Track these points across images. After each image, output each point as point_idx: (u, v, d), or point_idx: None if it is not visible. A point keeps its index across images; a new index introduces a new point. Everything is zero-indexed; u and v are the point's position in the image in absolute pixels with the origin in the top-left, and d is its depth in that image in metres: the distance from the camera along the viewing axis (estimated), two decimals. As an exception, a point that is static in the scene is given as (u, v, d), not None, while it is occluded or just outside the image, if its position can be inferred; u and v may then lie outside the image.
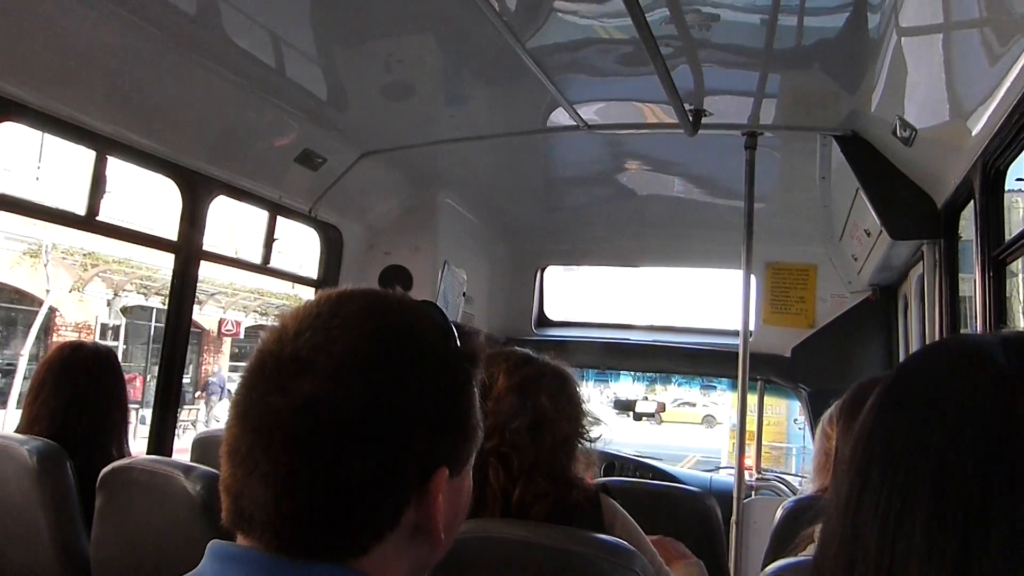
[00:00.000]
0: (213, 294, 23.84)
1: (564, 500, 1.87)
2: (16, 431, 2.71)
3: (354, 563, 0.86)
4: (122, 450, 2.77)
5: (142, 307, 23.21)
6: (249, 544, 0.87)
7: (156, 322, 24.59)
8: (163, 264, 21.46)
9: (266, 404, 0.85)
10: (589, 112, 3.42)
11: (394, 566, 0.89)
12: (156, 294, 22.76)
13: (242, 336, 26.07)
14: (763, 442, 5.43)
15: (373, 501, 0.86)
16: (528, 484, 1.84)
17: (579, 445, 1.97)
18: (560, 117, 3.46)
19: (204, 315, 24.73)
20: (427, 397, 0.89)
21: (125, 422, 2.86)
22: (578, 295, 6.38)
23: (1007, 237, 2.37)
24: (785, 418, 14.00)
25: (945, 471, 0.66)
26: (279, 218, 3.91)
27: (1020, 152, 2.16)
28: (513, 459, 1.83)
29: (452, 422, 0.93)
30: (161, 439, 3.17)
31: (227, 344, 26.44)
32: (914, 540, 0.66)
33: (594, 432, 2.01)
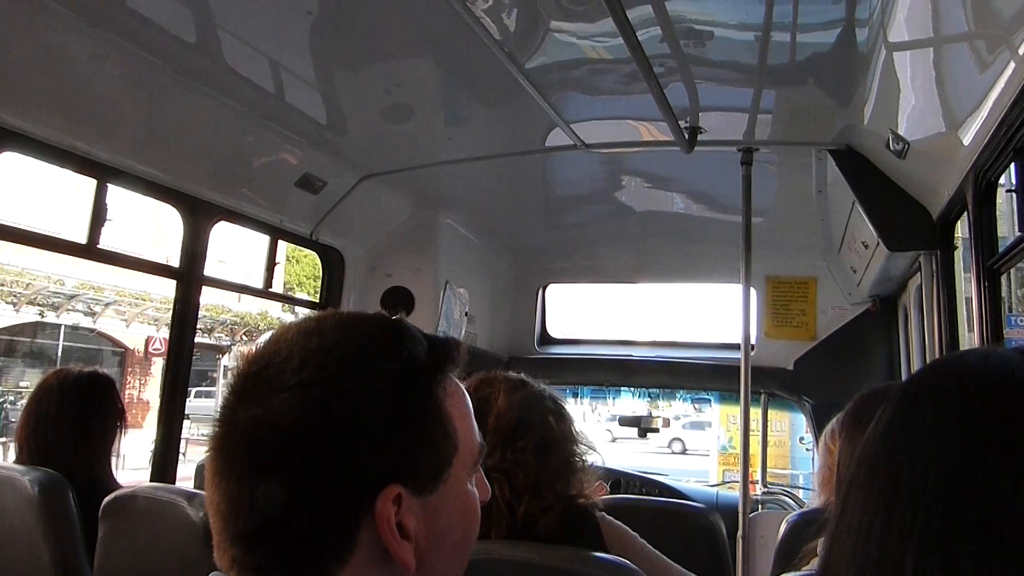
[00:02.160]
0: (109, 303, 21.78)
1: (568, 511, 1.88)
2: (16, 462, 2.71)
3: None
4: (107, 476, 2.73)
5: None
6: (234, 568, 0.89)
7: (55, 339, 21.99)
8: (43, 267, 18.92)
9: (221, 432, 0.89)
10: (586, 131, 3.44)
11: None
12: (31, 304, 20.39)
13: None
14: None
15: (315, 522, 0.85)
16: (534, 499, 1.84)
17: (578, 464, 1.98)
18: (558, 137, 3.49)
19: (125, 331, 22.52)
20: (366, 414, 0.87)
21: (109, 447, 2.82)
22: (580, 313, 6.38)
23: (1001, 247, 2.38)
24: (788, 437, 12.23)
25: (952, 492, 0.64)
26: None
27: (1011, 162, 2.17)
28: (518, 475, 1.84)
29: (403, 437, 0.89)
30: (164, 466, 3.16)
31: (157, 365, 23.36)
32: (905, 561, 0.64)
33: (588, 458, 2.02)
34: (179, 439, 3.29)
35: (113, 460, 2.84)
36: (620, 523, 1.99)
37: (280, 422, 0.85)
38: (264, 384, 0.88)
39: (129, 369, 22.72)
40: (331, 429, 0.85)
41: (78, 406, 2.73)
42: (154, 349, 23.22)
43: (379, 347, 0.92)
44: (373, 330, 0.94)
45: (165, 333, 22.69)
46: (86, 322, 22.34)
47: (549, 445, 1.90)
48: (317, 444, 0.85)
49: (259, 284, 4.07)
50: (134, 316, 22.53)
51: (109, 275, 20.30)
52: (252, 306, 23.62)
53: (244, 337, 24.15)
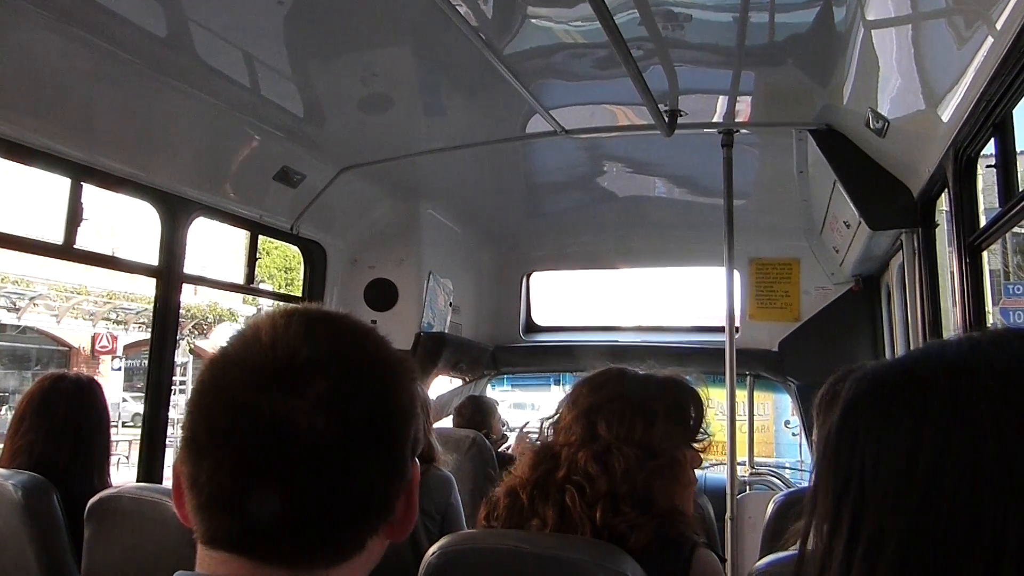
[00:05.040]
0: (33, 297, 20.32)
1: (666, 531, 1.79)
2: (0, 465, 2.68)
3: (347, 563, 0.87)
4: (104, 480, 2.74)
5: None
6: (240, 561, 0.84)
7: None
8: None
9: (277, 406, 0.83)
10: (566, 117, 3.43)
11: (373, 563, 0.91)
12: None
13: (119, 352, 22.52)
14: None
15: (382, 493, 0.88)
16: (613, 513, 1.78)
17: (675, 466, 1.86)
18: (538, 123, 3.47)
19: (69, 329, 21.33)
20: (407, 393, 0.93)
21: (107, 452, 2.83)
22: (565, 300, 6.39)
23: (982, 223, 2.39)
24: (772, 421, 11.45)
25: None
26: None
27: (990, 138, 2.18)
28: (586, 487, 1.80)
29: (416, 416, 0.95)
30: (150, 467, 3.14)
31: (106, 364, 22.29)
32: None
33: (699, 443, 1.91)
34: (165, 439, 3.26)
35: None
36: (718, 567, 1.84)
37: (356, 398, 0.86)
38: (327, 363, 0.86)
39: (75, 370, 20.63)
40: (396, 405, 0.90)
41: (65, 409, 2.72)
42: (101, 347, 22.21)
43: (385, 342, 0.98)
44: (369, 327, 0.99)
45: (103, 328, 21.84)
46: (10, 318, 20.84)
47: (606, 452, 1.82)
48: (387, 418, 0.89)
49: (237, 279, 4.04)
50: (65, 311, 21.15)
51: (37, 267, 19.11)
52: (203, 297, 22.60)
53: (194, 331, 23.41)
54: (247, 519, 0.82)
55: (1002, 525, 0.57)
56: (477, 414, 4.75)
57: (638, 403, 1.88)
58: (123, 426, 19.68)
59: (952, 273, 2.50)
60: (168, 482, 2.96)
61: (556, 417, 1.96)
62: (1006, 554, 0.57)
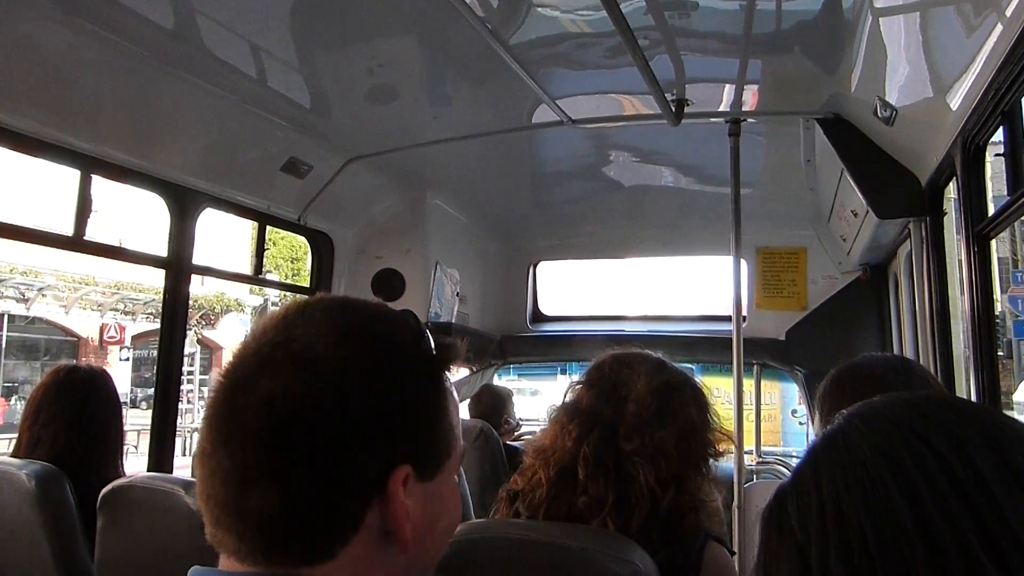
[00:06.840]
0: (41, 288, 20.43)
1: (698, 518, 1.78)
2: (13, 455, 2.71)
3: (320, 568, 0.85)
4: (117, 470, 2.78)
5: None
6: (227, 557, 0.87)
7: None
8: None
9: (232, 402, 0.86)
10: (572, 107, 3.42)
11: (366, 572, 0.88)
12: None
13: (127, 343, 22.61)
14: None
15: (329, 499, 0.85)
16: (679, 494, 1.76)
17: (711, 459, 1.87)
18: (544, 113, 3.47)
19: (77, 319, 21.39)
20: (387, 395, 0.89)
21: (120, 442, 2.87)
22: (572, 289, 6.40)
23: (990, 212, 2.39)
24: (779, 411, 11.29)
25: None
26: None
27: (999, 127, 2.17)
28: (661, 463, 1.75)
29: (416, 422, 0.92)
30: (161, 457, 3.17)
31: (114, 354, 22.46)
32: None
33: (721, 446, 1.91)
34: (174, 429, 3.29)
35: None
36: (729, 562, 1.83)
37: (296, 397, 0.85)
38: (287, 358, 0.87)
39: (83, 360, 20.51)
40: (356, 407, 0.86)
41: (82, 400, 2.77)
42: (109, 337, 22.36)
43: (404, 335, 0.95)
44: (396, 318, 0.97)
45: (111, 318, 21.95)
46: (19, 309, 21.00)
47: (689, 436, 1.80)
48: (333, 420, 0.85)
49: (245, 270, 4.05)
50: (73, 301, 21.32)
51: (45, 258, 19.23)
52: (211, 288, 22.44)
53: (201, 322, 23.39)
54: (213, 502, 0.86)
55: None
56: (498, 403, 4.79)
57: (699, 389, 1.89)
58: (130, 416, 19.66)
59: (960, 262, 2.50)
60: (179, 472, 3.01)
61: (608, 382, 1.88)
62: None
